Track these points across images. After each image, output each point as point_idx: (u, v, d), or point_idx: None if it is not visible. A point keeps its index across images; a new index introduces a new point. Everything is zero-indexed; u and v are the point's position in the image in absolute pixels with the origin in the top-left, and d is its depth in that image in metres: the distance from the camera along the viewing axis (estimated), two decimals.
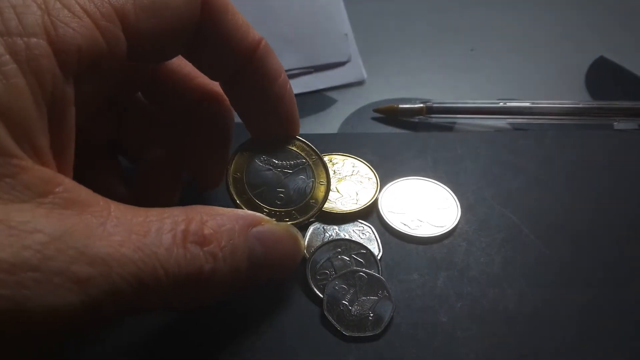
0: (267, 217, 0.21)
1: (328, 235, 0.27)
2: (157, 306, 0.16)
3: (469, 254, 0.26)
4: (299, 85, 0.37)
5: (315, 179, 0.24)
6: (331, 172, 0.29)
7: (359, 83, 0.38)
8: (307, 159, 0.25)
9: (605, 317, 0.23)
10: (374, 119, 0.36)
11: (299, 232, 0.22)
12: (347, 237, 0.26)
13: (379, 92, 0.36)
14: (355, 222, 0.27)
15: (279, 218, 0.22)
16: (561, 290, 0.24)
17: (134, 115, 0.26)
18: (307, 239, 0.26)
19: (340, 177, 0.29)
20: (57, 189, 0.14)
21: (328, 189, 0.24)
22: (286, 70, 0.38)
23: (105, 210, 0.15)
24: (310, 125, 0.35)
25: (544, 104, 0.33)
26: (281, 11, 0.39)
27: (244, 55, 0.22)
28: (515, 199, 0.28)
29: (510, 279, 0.25)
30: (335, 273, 0.24)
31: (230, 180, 0.23)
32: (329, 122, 0.35)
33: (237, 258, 0.18)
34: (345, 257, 0.25)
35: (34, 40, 0.14)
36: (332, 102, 0.37)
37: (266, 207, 0.23)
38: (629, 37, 0.42)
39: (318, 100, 0.37)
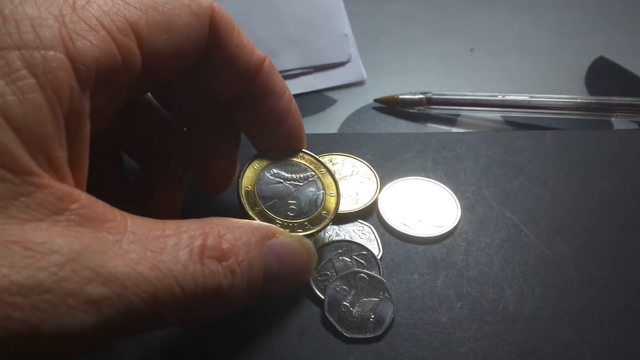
0: (281, 229, 0.21)
1: (328, 235, 0.27)
2: (172, 323, 0.16)
3: (468, 254, 0.26)
4: (299, 85, 0.37)
5: (325, 191, 0.24)
6: None
7: (359, 83, 0.38)
8: (316, 171, 0.25)
9: (605, 317, 0.23)
10: (374, 108, 0.36)
11: (312, 244, 0.22)
12: (347, 237, 0.26)
13: (379, 92, 0.37)
14: (355, 222, 0.27)
15: (292, 229, 0.22)
16: (561, 290, 0.24)
17: (140, 113, 0.26)
18: None
19: (340, 177, 0.29)
20: (73, 206, 0.14)
21: (338, 200, 0.24)
22: (286, 70, 0.38)
23: (121, 226, 0.15)
24: (310, 125, 0.35)
25: (542, 97, 0.33)
26: (281, 11, 0.39)
27: (249, 74, 0.22)
28: (515, 199, 0.29)
29: (510, 279, 0.25)
30: (337, 274, 0.25)
31: (242, 192, 0.23)
32: (329, 122, 0.35)
33: (254, 272, 0.18)
34: (347, 258, 0.25)
35: (51, 53, 0.14)
36: (332, 102, 0.37)
37: (279, 219, 0.23)
38: (629, 37, 0.42)
39: (318, 100, 0.37)
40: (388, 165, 0.30)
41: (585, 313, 0.24)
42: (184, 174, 0.26)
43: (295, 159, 0.25)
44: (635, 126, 0.34)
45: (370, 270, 0.25)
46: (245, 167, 0.24)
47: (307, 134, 0.33)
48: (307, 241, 0.21)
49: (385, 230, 0.27)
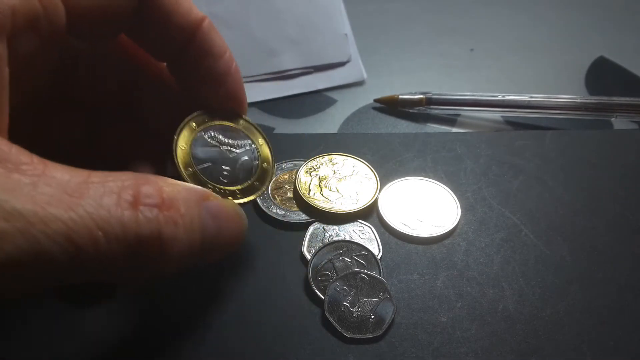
0: (215, 194, 0.20)
1: (328, 235, 0.27)
2: (102, 276, 0.15)
3: (468, 254, 0.26)
4: (299, 85, 0.37)
5: (259, 161, 0.24)
6: (331, 172, 0.29)
7: (359, 83, 0.38)
8: (254, 140, 0.24)
9: (605, 317, 0.23)
10: (374, 108, 0.36)
11: (243, 212, 0.21)
12: (347, 237, 0.26)
13: (379, 92, 0.37)
14: (355, 222, 0.27)
15: (223, 196, 0.22)
16: (561, 290, 0.24)
17: (91, 68, 0.25)
18: (307, 240, 0.26)
19: (340, 177, 0.29)
20: None
21: (272, 172, 0.24)
22: (286, 70, 0.38)
23: (38, 169, 0.14)
24: (310, 125, 0.35)
25: (542, 97, 0.33)
26: (281, 12, 0.39)
27: (186, 33, 0.21)
28: (514, 199, 0.29)
29: (510, 279, 0.25)
30: (337, 274, 0.25)
31: (177, 151, 0.22)
32: (329, 122, 0.35)
33: (194, 229, 0.18)
34: (347, 259, 0.25)
35: None
36: (332, 102, 0.37)
37: (211, 184, 0.22)
38: (629, 37, 0.42)
39: (318, 100, 0.37)
40: (388, 165, 0.30)
41: (585, 313, 0.24)
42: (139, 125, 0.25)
43: (234, 125, 0.24)
44: (635, 126, 0.34)
45: (370, 270, 0.25)
46: (182, 125, 0.23)
47: (307, 134, 0.33)
48: (240, 208, 0.21)
49: (385, 230, 0.27)
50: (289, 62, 0.38)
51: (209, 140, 0.23)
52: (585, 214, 0.28)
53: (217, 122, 0.24)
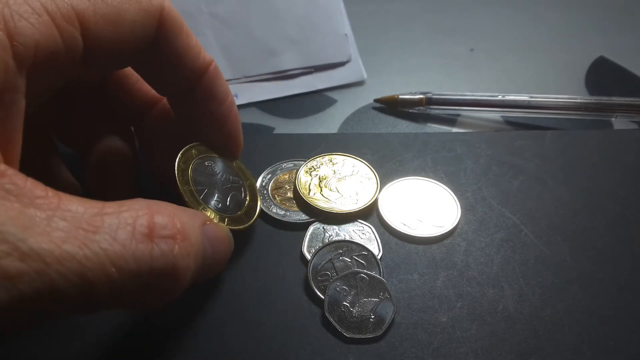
0: (210, 217, 0.21)
1: (328, 235, 0.27)
2: (112, 306, 0.15)
3: (468, 254, 0.26)
4: (299, 85, 0.37)
5: (248, 199, 0.26)
6: (331, 172, 0.29)
7: (359, 83, 0.38)
8: (244, 180, 0.26)
9: (605, 317, 0.23)
10: (374, 108, 0.36)
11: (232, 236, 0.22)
12: (347, 237, 0.26)
13: (379, 92, 0.37)
14: (355, 222, 0.27)
15: (212, 216, 0.23)
16: (561, 290, 0.24)
17: (84, 106, 0.26)
18: (307, 240, 0.26)
19: (340, 177, 0.29)
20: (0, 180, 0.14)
21: (256, 212, 0.26)
22: (286, 70, 0.38)
23: (53, 203, 0.14)
24: (310, 125, 0.35)
25: (542, 97, 0.33)
26: (281, 12, 0.39)
27: (195, 75, 0.22)
28: (514, 199, 0.29)
29: (510, 279, 0.25)
30: (337, 274, 0.25)
31: (177, 169, 0.23)
32: (329, 122, 0.35)
33: (199, 256, 0.18)
34: (347, 259, 0.25)
35: None
36: (332, 102, 0.37)
37: (203, 204, 0.23)
38: (629, 37, 0.42)
39: (318, 100, 0.37)
40: (388, 165, 0.30)
41: (585, 313, 0.24)
42: (133, 164, 0.26)
43: (229, 162, 0.26)
44: (635, 126, 0.34)
45: (370, 270, 0.25)
46: (185, 149, 0.24)
47: (307, 133, 0.33)
48: (229, 232, 0.22)
49: (385, 230, 0.27)
50: (289, 62, 0.38)
51: (207, 166, 0.25)
52: (585, 214, 0.28)
53: (215, 155, 0.26)
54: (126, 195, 0.25)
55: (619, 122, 0.34)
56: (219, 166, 0.26)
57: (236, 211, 0.25)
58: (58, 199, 0.15)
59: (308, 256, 0.25)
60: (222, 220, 0.23)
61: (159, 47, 0.20)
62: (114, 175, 0.25)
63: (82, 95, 0.25)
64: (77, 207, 0.15)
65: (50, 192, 0.15)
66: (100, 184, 0.25)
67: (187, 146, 0.24)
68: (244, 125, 0.35)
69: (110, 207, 0.15)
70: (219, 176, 0.25)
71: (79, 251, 0.14)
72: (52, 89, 0.18)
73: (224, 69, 0.37)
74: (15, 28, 0.15)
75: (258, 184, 0.29)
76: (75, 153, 0.26)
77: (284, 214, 0.28)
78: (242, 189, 0.26)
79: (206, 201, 0.24)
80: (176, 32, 0.21)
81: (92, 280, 0.14)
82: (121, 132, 0.26)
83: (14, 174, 0.14)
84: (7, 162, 0.15)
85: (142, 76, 0.23)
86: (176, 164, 0.23)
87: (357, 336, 0.22)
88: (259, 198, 0.27)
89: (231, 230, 0.23)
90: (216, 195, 0.24)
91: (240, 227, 0.24)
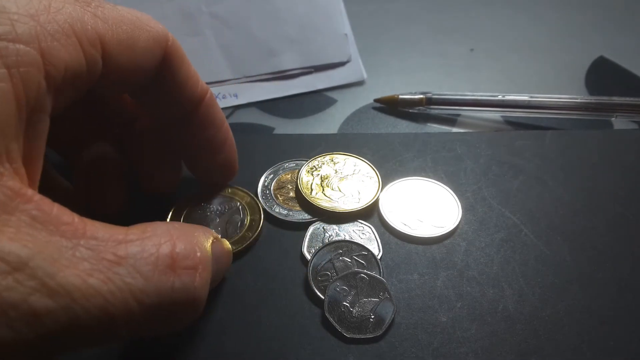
0: (215, 232, 0.21)
1: (328, 235, 0.27)
2: (129, 336, 0.15)
3: (468, 254, 0.26)
4: (299, 85, 0.37)
5: (248, 216, 0.27)
6: (333, 172, 0.29)
7: (359, 83, 0.38)
8: (241, 200, 0.28)
9: (605, 317, 0.23)
10: (374, 108, 0.36)
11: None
12: (347, 237, 0.26)
13: (379, 92, 0.37)
14: (355, 222, 0.27)
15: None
16: (561, 290, 0.24)
17: (74, 111, 0.26)
18: (307, 240, 0.26)
19: (341, 176, 0.29)
20: (26, 206, 0.14)
21: (262, 223, 0.27)
22: (286, 70, 0.38)
23: (79, 230, 0.14)
24: (310, 125, 0.35)
25: (542, 97, 0.33)
26: (281, 11, 0.39)
27: (192, 103, 0.23)
28: (514, 199, 0.29)
29: (510, 279, 0.25)
30: (337, 274, 0.25)
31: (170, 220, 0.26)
32: (329, 122, 0.35)
33: (211, 276, 0.18)
34: (347, 259, 0.25)
35: (26, 48, 0.14)
36: (332, 102, 0.37)
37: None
38: (629, 37, 0.42)
39: (318, 100, 0.37)
40: (388, 165, 0.30)
41: (585, 313, 0.24)
42: (122, 169, 0.26)
43: (221, 194, 0.28)
44: (635, 126, 0.34)
45: (370, 270, 0.25)
46: (173, 208, 0.27)
47: (307, 134, 0.33)
48: (230, 247, 0.23)
49: (385, 230, 0.27)
50: (288, 62, 0.38)
51: (201, 207, 0.27)
52: (585, 214, 0.28)
53: (204, 197, 0.28)
54: (115, 202, 0.26)
55: (619, 122, 0.34)
56: (213, 202, 0.28)
57: (238, 232, 0.26)
58: (83, 225, 0.15)
59: (308, 256, 0.25)
60: None
61: (162, 75, 0.21)
62: (103, 182, 0.25)
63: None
64: (103, 234, 0.15)
65: (77, 218, 0.15)
66: (90, 190, 0.25)
67: (175, 205, 0.27)
68: (244, 125, 0.35)
69: (134, 233, 0.16)
70: (213, 211, 0.27)
71: (103, 286, 0.14)
72: (66, 106, 0.18)
73: (224, 69, 0.37)
74: (48, 48, 0.15)
75: (260, 183, 0.29)
76: (63, 159, 0.26)
77: (287, 213, 0.28)
78: (240, 210, 0.27)
79: None
80: (179, 60, 0.21)
81: (114, 314, 0.14)
82: (110, 138, 0.26)
83: (40, 199, 0.14)
84: (31, 183, 0.15)
85: (142, 103, 0.23)
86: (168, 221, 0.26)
87: (357, 336, 0.22)
88: (260, 207, 0.28)
89: (239, 249, 0.25)
90: (214, 228, 0.26)
91: (246, 244, 0.26)
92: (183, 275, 0.16)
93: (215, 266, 0.19)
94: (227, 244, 0.22)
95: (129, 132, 0.26)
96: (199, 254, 0.17)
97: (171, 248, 0.16)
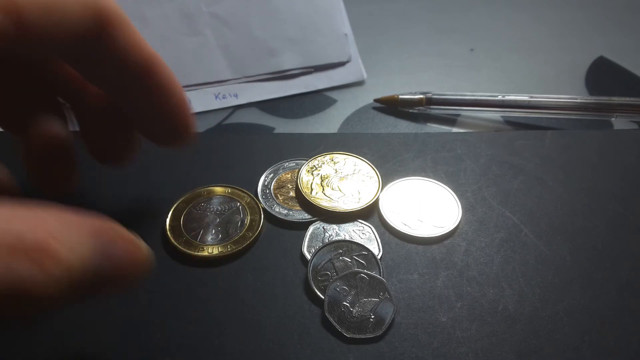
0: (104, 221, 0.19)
1: (328, 235, 0.27)
2: None
3: (468, 254, 0.26)
4: (299, 85, 0.37)
5: (248, 216, 0.27)
6: (333, 171, 0.29)
7: (359, 83, 0.38)
8: (241, 200, 0.28)
9: (605, 317, 0.23)
10: (374, 108, 0.36)
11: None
12: (347, 237, 0.26)
13: (379, 92, 0.37)
14: (355, 222, 0.27)
15: (214, 250, 0.26)
16: (561, 290, 0.24)
17: (12, 79, 0.25)
18: (307, 240, 0.26)
19: (342, 176, 0.29)
20: None
21: (262, 223, 0.27)
22: (286, 70, 0.38)
23: None
24: (310, 125, 0.35)
25: (542, 97, 0.33)
26: (281, 11, 0.39)
27: (138, 69, 0.22)
28: (515, 199, 0.29)
29: (510, 279, 0.25)
30: (337, 274, 0.25)
31: (168, 228, 0.26)
32: (329, 122, 0.35)
33: (76, 270, 0.17)
34: (347, 259, 0.25)
35: None
36: (332, 102, 0.37)
37: (203, 245, 0.26)
38: (629, 37, 0.42)
39: (318, 100, 0.37)
40: (388, 165, 0.30)
41: (585, 313, 0.24)
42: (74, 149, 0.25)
43: (221, 195, 0.28)
44: (635, 126, 0.34)
45: (370, 270, 0.25)
46: (173, 205, 0.27)
47: (307, 134, 0.33)
48: (132, 236, 0.19)
49: (385, 230, 0.27)
50: (288, 62, 0.38)
51: (200, 208, 0.28)
52: (585, 214, 0.28)
53: (204, 198, 0.28)
54: (64, 182, 0.25)
55: (619, 122, 0.34)
56: (212, 202, 0.28)
57: (238, 232, 0.26)
58: None
59: (308, 256, 0.25)
60: (224, 247, 0.26)
61: (100, 40, 0.20)
62: (52, 161, 0.24)
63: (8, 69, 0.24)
64: None
65: None
66: (39, 170, 0.24)
67: (174, 205, 0.27)
68: (244, 125, 0.35)
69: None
70: (212, 211, 0.27)
71: None
72: None
73: (224, 69, 0.37)
74: None
75: (260, 183, 0.29)
76: (8, 134, 0.25)
77: (287, 213, 0.28)
78: (240, 210, 0.28)
79: (203, 240, 0.26)
80: (118, 24, 0.20)
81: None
82: (56, 110, 0.25)
83: None
84: None
85: (82, 72, 0.23)
86: (167, 226, 0.26)
87: (357, 336, 0.22)
88: (260, 206, 0.28)
89: (239, 249, 0.25)
90: (213, 230, 0.27)
91: (246, 244, 0.26)
92: (13, 262, 0.14)
93: (102, 259, 0.16)
94: (124, 233, 0.18)
95: (79, 103, 0.25)
96: (51, 242, 0.15)
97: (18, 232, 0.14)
